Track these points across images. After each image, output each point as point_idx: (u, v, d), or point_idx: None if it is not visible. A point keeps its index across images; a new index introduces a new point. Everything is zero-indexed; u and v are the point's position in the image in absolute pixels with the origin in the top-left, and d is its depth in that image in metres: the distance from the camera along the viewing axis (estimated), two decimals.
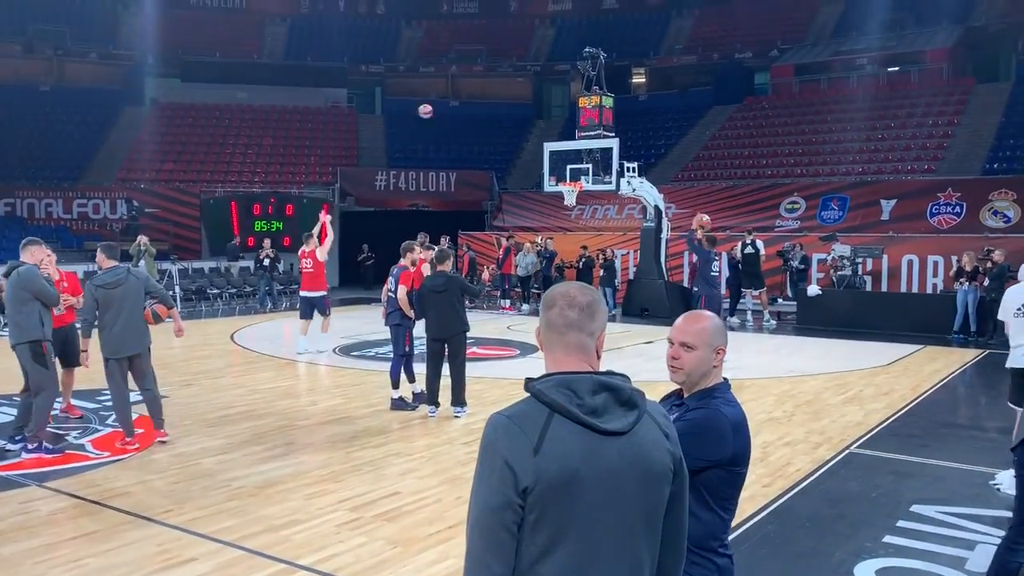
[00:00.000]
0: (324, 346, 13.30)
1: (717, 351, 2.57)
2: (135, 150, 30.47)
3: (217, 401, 9.50)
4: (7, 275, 7.19)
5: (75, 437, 7.76)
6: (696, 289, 13.18)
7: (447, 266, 8.87)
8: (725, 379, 2.62)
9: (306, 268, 13.06)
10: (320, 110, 34.65)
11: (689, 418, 2.45)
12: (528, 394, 1.84)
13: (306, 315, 13.05)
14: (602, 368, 1.94)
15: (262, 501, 5.95)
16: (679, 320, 2.63)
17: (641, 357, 12.85)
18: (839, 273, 17.56)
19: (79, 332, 7.60)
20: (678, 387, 2.65)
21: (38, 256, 7.33)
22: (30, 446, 7.12)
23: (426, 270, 9.66)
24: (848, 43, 31.84)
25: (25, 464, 6.87)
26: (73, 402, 8.75)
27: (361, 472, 6.71)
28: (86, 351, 7.42)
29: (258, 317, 18.89)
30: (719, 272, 13.98)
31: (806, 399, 9.83)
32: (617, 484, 1.81)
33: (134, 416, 7.67)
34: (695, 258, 14.03)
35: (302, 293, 13.02)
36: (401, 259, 9.37)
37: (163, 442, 7.49)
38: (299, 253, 13.19)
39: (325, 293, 12.96)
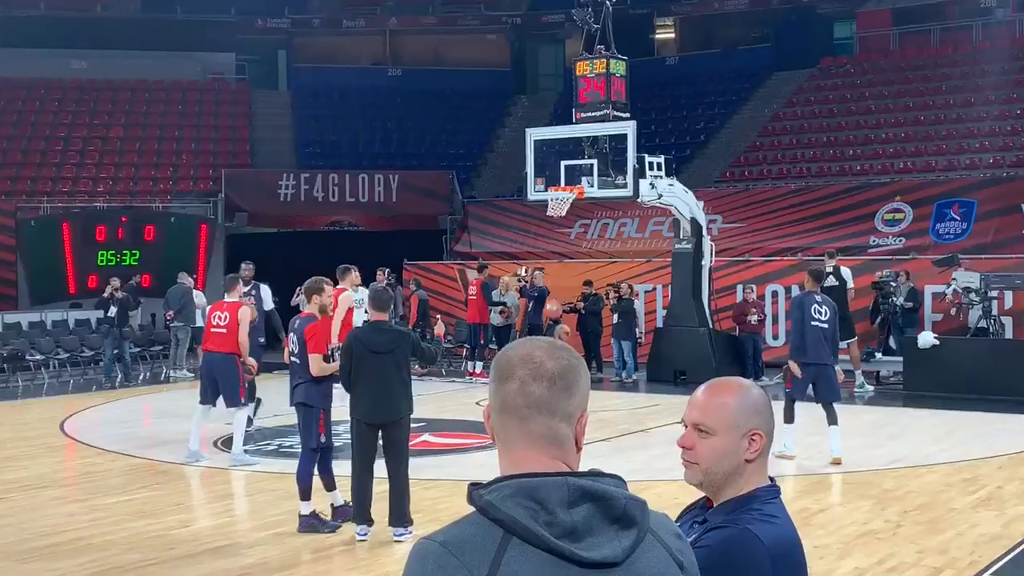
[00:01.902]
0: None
1: (750, 437, 2.53)
2: None
3: (37, 525, 9.37)
4: None
5: None
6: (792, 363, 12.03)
7: (387, 314, 8.88)
8: (771, 481, 2.60)
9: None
10: (195, 85, 34.82)
11: (707, 543, 2.42)
12: (473, 508, 1.83)
13: None
14: (584, 467, 1.94)
15: None
16: (697, 391, 2.62)
17: (674, 445, 12.80)
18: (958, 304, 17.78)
19: None
20: (705, 495, 2.64)
21: None
22: None
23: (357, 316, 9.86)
24: None
25: None
26: None
27: None
28: None
29: (100, 395, 18.74)
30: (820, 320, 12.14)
31: (919, 502, 9.86)
32: None
33: None
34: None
35: None
36: (305, 305, 9.36)
37: None
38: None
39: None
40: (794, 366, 11.93)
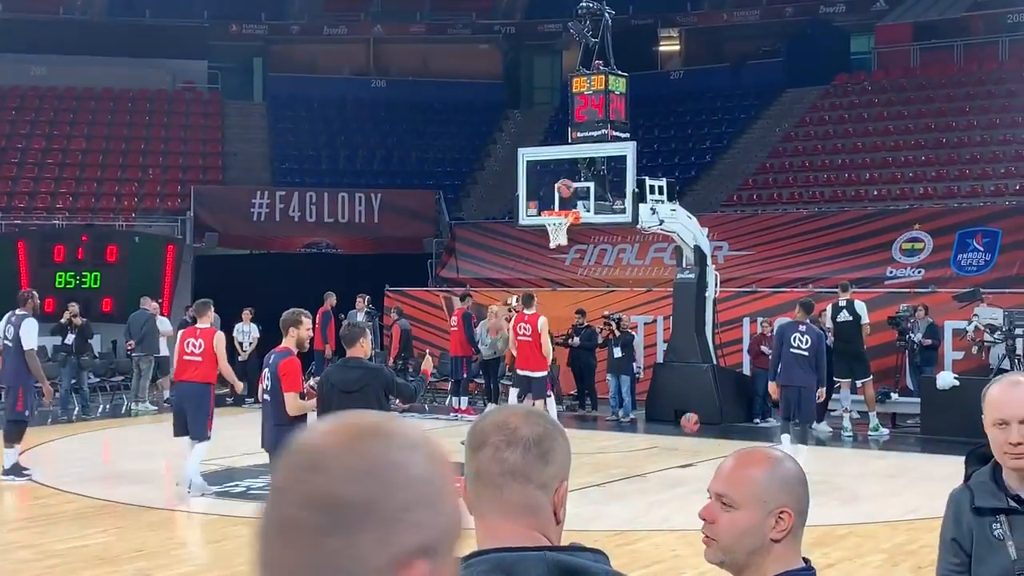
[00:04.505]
0: None
1: (778, 515, 2.50)
2: None
3: None
4: None
5: None
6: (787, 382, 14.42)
7: (362, 349, 8.94)
8: (806, 563, 2.58)
9: (523, 336, 16.57)
10: (164, 94, 34.88)
11: None
12: None
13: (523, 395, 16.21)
14: (564, 540, 2.00)
15: None
16: (726, 459, 2.61)
17: (674, 491, 12.89)
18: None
19: None
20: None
21: None
22: None
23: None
24: None
25: None
26: None
27: None
28: None
29: (56, 429, 18.70)
30: (799, 348, 14.67)
31: (934, 557, 9.83)
32: None
33: None
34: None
35: (518, 371, 16.82)
36: (283, 338, 9.41)
37: None
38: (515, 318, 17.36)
39: (545, 374, 16.69)
40: (772, 387, 15.07)
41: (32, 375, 13.69)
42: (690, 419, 17.36)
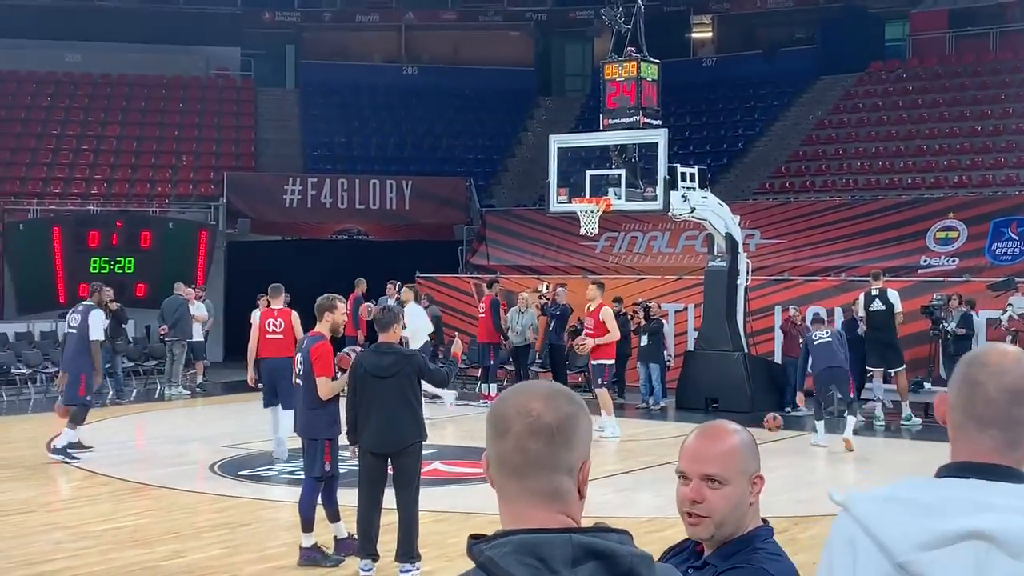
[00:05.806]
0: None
1: (753, 480, 2.69)
2: None
3: (21, 552, 9.48)
4: None
5: None
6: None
7: (395, 334, 8.98)
8: (764, 521, 2.73)
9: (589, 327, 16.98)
10: (197, 81, 35.07)
11: None
12: (473, 564, 1.91)
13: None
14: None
15: None
16: (692, 439, 2.74)
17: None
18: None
19: None
20: (691, 539, 2.77)
21: None
22: None
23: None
24: None
25: None
26: None
27: None
28: None
29: (90, 413, 18.76)
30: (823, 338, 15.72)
31: None
32: None
33: None
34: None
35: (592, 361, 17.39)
36: (317, 323, 9.47)
37: None
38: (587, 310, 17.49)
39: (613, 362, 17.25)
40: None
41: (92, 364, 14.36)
42: (775, 418, 16.94)
